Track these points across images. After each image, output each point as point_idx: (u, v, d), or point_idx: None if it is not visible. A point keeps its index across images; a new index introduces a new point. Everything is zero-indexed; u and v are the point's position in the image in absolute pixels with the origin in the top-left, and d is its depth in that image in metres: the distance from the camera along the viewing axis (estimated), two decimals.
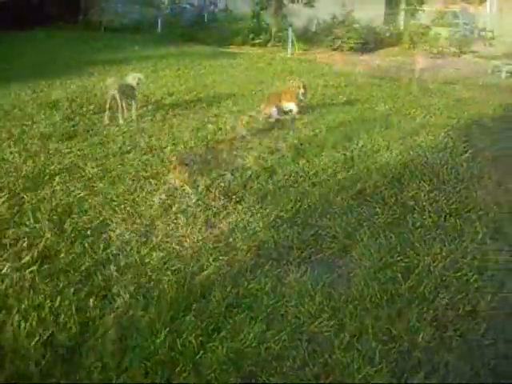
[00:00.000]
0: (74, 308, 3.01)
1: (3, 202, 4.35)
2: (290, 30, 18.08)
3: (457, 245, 4.06)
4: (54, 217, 4.18)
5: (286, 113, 8.06)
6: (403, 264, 3.72)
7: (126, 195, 4.69)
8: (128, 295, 3.17)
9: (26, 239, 3.75)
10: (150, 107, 8.17)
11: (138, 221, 4.21)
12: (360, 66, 14.96)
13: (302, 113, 8.16)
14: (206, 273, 3.50)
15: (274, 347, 2.82)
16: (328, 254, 3.91)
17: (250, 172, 5.32)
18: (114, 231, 4.01)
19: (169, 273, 3.47)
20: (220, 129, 7.03)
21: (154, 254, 3.69)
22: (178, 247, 3.84)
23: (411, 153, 6.30)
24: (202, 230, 4.12)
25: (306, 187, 5.10)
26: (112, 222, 4.17)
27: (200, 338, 2.84)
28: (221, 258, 3.70)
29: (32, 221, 4.05)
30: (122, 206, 4.44)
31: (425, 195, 4.97)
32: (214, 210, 4.47)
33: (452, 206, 4.77)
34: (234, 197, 4.72)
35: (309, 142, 6.61)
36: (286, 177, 5.32)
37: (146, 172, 5.28)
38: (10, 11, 17.04)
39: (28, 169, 5.17)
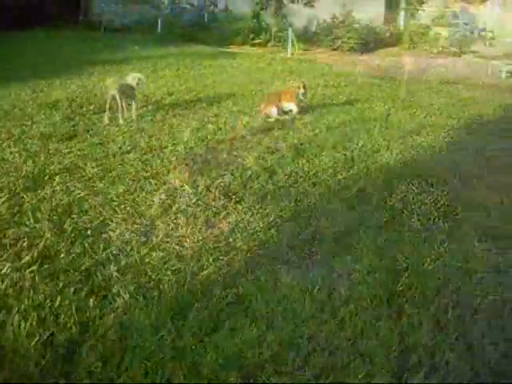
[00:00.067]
0: (73, 308, 3.00)
1: (3, 202, 4.34)
2: (289, 30, 18.09)
3: (456, 245, 4.06)
4: (54, 217, 4.17)
5: (286, 113, 8.06)
6: (404, 264, 3.71)
7: (126, 195, 4.68)
8: (128, 295, 3.17)
9: (26, 239, 3.74)
10: (149, 107, 8.17)
11: (138, 221, 4.20)
12: (360, 66, 14.98)
13: (302, 113, 8.16)
14: (206, 273, 3.50)
15: (274, 347, 2.82)
16: (328, 254, 3.90)
17: (249, 172, 5.31)
18: (114, 231, 4.00)
19: (169, 273, 3.46)
20: (220, 129, 7.04)
21: (154, 254, 3.69)
22: (178, 247, 3.83)
23: (411, 152, 6.30)
24: (202, 229, 4.11)
25: (305, 187, 5.10)
26: (112, 221, 4.17)
27: (200, 338, 2.84)
28: (221, 258, 3.70)
29: (32, 221, 4.05)
30: (122, 206, 4.43)
31: (425, 195, 4.97)
32: (214, 209, 4.46)
33: (452, 206, 4.78)
34: (233, 197, 4.72)
35: (309, 142, 6.62)
36: (286, 177, 5.32)
37: (146, 172, 5.28)
38: (9, 11, 17.04)
39: (28, 169, 5.16)
